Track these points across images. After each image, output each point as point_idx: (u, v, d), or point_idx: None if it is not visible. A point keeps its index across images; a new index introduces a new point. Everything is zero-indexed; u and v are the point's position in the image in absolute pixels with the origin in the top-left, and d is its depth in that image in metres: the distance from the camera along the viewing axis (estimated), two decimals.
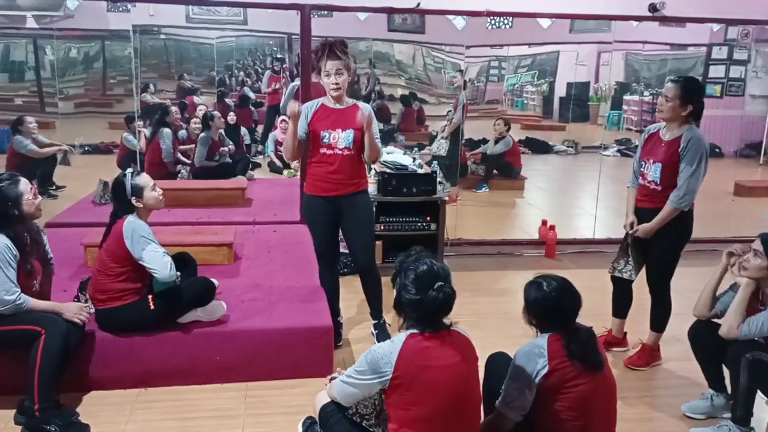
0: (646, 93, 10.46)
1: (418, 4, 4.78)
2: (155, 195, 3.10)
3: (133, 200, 3.04)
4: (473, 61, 7.64)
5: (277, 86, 8.56)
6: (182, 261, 3.38)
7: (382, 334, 3.66)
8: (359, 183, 3.49)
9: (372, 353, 2.12)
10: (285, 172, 7.37)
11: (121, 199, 3.06)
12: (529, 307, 2.34)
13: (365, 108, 3.43)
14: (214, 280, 3.31)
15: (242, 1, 4.88)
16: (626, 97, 10.63)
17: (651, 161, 3.34)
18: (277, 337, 3.25)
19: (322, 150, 3.39)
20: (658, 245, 3.38)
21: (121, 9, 6.32)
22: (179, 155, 6.76)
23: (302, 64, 4.85)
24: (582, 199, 7.63)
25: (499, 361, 2.52)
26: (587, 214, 6.70)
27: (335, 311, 3.63)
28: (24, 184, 2.87)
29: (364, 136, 3.36)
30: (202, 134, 6.63)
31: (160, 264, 2.97)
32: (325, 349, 3.32)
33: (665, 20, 5.14)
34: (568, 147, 9.41)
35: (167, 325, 3.15)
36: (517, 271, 5.00)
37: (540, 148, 8.88)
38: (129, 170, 3.13)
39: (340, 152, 3.38)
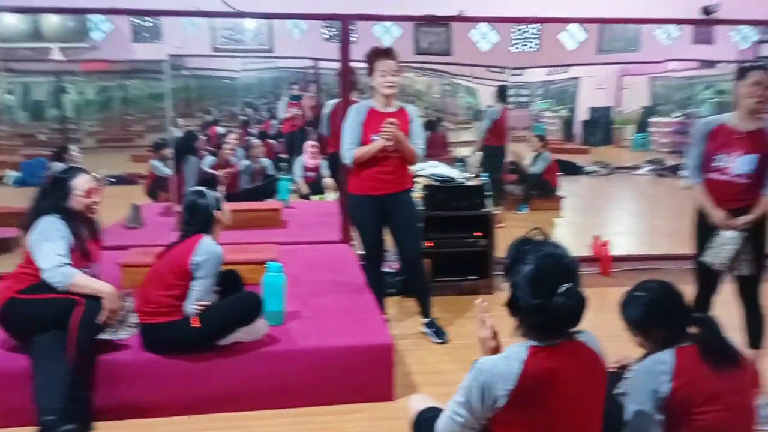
0: (675, 114, 10.32)
1: (461, 12, 4.63)
2: (227, 209, 3.04)
3: (216, 213, 2.95)
4: (493, 84, 7.48)
5: (296, 112, 8.42)
6: (229, 279, 3.13)
7: (438, 331, 3.75)
8: (406, 182, 3.62)
9: (484, 373, 1.64)
10: (314, 197, 7.17)
11: (201, 215, 2.93)
12: (643, 323, 2.06)
13: (412, 111, 3.61)
14: None
15: (282, 13, 4.76)
16: (654, 119, 10.52)
17: (736, 154, 3.09)
18: (335, 357, 2.98)
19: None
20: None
21: (147, 40, 6.27)
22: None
23: (343, 76, 4.69)
24: (623, 218, 7.39)
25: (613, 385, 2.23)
26: (631, 232, 6.46)
27: (381, 308, 3.66)
28: (80, 181, 2.90)
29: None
30: (246, 163, 6.70)
31: (200, 298, 2.84)
32: (385, 370, 3.04)
33: (720, 23, 4.95)
34: (599, 168, 9.25)
35: (209, 347, 2.89)
36: None
37: (570, 169, 8.77)
38: (200, 188, 3.05)
39: (390, 155, 3.48)
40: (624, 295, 2.16)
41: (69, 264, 2.76)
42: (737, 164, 3.09)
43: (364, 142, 3.48)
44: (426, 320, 3.79)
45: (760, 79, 3.03)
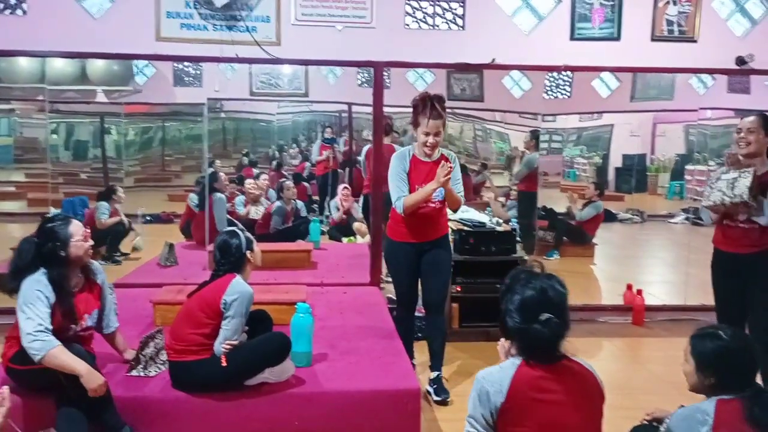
0: (711, 162, 10.18)
1: (494, 60, 4.69)
2: (258, 250, 3.06)
3: (248, 254, 2.97)
4: (525, 129, 7.54)
5: (329, 155, 8.53)
6: (258, 319, 3.17)
7: (440, 389, 3.58)
8: (443, 229, 3.61)
9: (481, 380, 1.85)
10: (344, 239, 7.22)
11: (233, 256, 2.95)
12: (705, 361, 2.00)
13: (452, 158, 3.53)
14: None
15: (318, 59, 4.88)
16: (689, 167, 10.38)
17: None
18: (361, 401, 2.95)
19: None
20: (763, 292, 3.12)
21: (188, 84, 6.50)
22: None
23: (374, 122, 4.77)
24: (657, 267, 7.25)
25: None
26: (665, 281, 6.32)
27: (410, 353, 3.64)
28: (75, 226, 2.80)
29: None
30: (277, 204, 6.76)
31: (229, 338, 2.85)
32: (412, 416, 2.99)
33: (754, 73, 4.93)
34: (633, 215, 9.12)
35: (236, 386, 2.90)
36: (606, 339, 4.61)
37: (604, 216, 8.65)
38: (235, 227, 3.10)
39: (432, 205, 3.47)
40: (699, 333, 2.11)
41: (47, 332, 2.57)
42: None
43: (410, 191, 3.46)
44: (433, 374, 3.63)
45: (741, 125, 3.15)
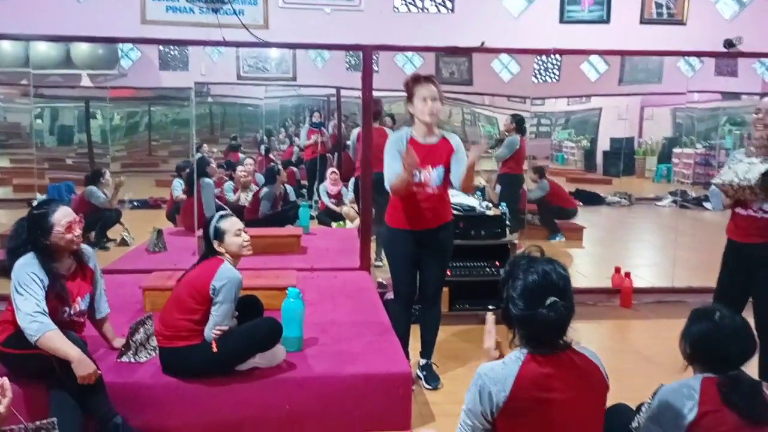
0: (698, 145, 10.24)
1: (483, 43, 4.66)
2: (238, 241, 2.93)
3: (215, 244, 2.91)
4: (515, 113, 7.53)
5: (318, 139, 8.50)
6: (249, 305, 3.16)
7: (430, 376, 3.58)
8: (445, 216, 3.44)
9: (483, 377, 1.78)
10: (334, 223, 7.22)
11: (208, 240, 2.94)
12: (690, 336, 2.03)
13: (455, 141, 3.38)
14: None
15: (306, 43, 4.82)
16: (676, 150, 10.44)
17: None
18: (352, 385, 2.96)
19: (413, 188, 3.31)
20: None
21: (174, 68, 6.43)
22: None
23: (364, 105, 4.74)
24: (644, 249, 7.31)
25: (621, 414, 2.20)
26: (652, 264, 6.37)
27: (405, 353, 3.41)
28: (60, 216, 2.73)
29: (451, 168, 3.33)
30: (266, 189, 6.67)
31: (219, 323, 2.83)
32: (403, 399, 3.01)
33: (742, 56, 4.93)
34: (621, 198, 9.19)
35: (226, 372, 2.90)
36: (595, 322, 4.65)
37: (592, 199, 8.71)
38: (219, 212, 3.02)
39: (431, 190, 3.34)
40: (700, 309, 2.12)
41: (45, 314, 2.59)
42: None
43: None
44: (423, 361, 3.63)
45: (760, 105, 2.99)
